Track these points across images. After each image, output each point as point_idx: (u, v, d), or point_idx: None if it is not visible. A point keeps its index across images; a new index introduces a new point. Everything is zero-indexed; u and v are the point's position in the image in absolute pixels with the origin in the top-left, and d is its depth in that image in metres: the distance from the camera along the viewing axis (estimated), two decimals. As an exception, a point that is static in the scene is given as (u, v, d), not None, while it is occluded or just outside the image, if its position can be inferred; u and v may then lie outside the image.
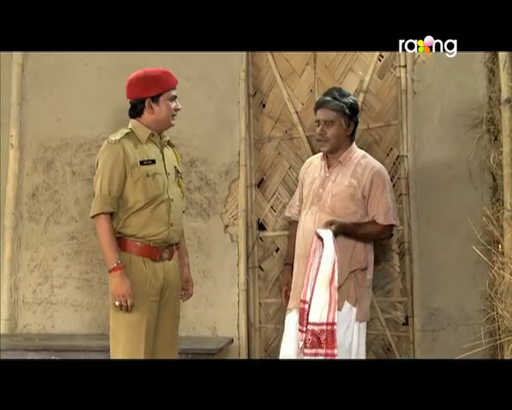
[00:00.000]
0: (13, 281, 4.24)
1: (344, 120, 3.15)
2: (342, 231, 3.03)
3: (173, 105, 3.00)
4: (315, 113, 3.25)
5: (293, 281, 3.22)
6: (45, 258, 4.25)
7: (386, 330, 3.88)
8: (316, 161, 3.33)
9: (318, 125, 3.19)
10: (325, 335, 2.83)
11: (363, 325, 3.11)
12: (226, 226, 4.14)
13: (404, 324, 3.88)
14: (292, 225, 3.48)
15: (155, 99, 2.97)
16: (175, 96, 3.01)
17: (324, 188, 3.16)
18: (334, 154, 3.20)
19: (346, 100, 3.16)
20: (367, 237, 3.14)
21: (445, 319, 3.74)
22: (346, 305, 3.05)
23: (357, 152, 3.22)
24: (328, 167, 3.22)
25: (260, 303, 4.12)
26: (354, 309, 3.06)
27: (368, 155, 3.30)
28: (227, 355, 3.94)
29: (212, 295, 4.10)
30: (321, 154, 3.30)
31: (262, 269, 4.15)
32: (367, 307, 3.15)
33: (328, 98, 3.18)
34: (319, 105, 3.21)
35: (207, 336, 4.06)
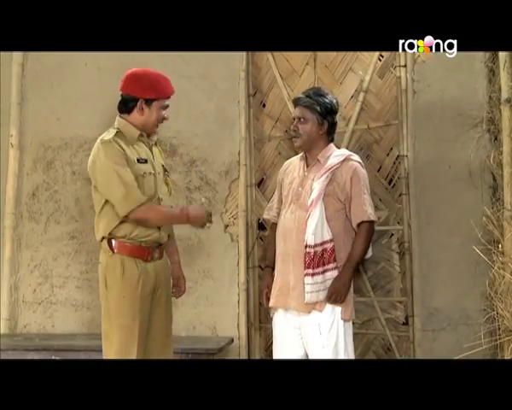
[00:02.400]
0: (13, 281, 4.24)
1: (317, 118, 3.17)
2: (344, 288, 3.07)
3: (163, 114, 2.97)
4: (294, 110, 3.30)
5: (275, 279, 3.22)
6: (45, 258, 4.25)
7: (386, 330, 3.88)
8: (294, 162, 3.34)
9: (294, 121, 3.23)
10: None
11: (349, 324, 3.11)
12: (226, 226, 4.14)
13: (404, 323, 3.88)
14: (271, 227, 3.47)
15: (148, 102, 2.92)
16: (167, 106, 2.98)
17: (303, 186, 3.17)
18: (310, 152, 3.21)
19: (319, 99, 3.18)
20: (365, 250, 3.15)
21: (445, 318, 3.74)
22: (329, 305, 3.05)
23: (336, 151, 3.23)
24: (307, 166, 3.23)
25: (260, 303, 4.10)
26: (338, 309, 3.07)
27: (346, 151, 3.31)
28: (227, 355, 3.94)
29: (212, 295, 4.10)
30: (300, 155, 3.31)
31: (262, 269, 4.14)
32: (351, 307, 3.14)
33: (302, 96, 3.22)
34: (295, 103, 3.27)
35: (207, 336, 4.06)
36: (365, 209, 3.12)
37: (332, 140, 3.26)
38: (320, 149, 3.20)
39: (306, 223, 3.05)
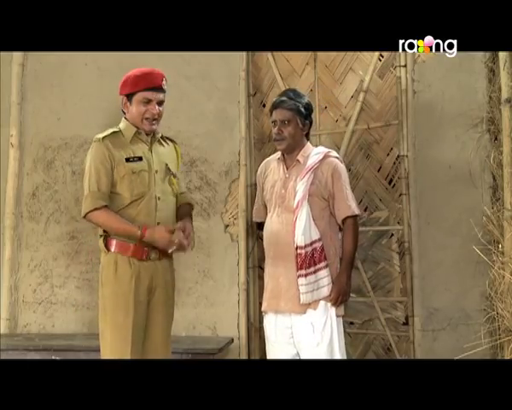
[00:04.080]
0: (13, 281, 4.24)
1: (300, 120, 3.16)
2: (347, 287, 3.09)
3: (145, 108, 2.94)
4: (270, 114, 3.24)
5: (266, 283, 3.22)
6: (45, 258, 4.25)
7: (386, 330, 3.88)
8: (272, 163, 3.31)
9: (275, 125, 3.19)
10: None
11: (340, 320, 3.12)
12: (226, 226, 4.14)
13: (404, 323, 3.88)
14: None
15: (129, 98, 2.96)
16: (149, 100, 2.94)
17: (286, 189, 3.16)
18: (291, 154, 3.20)
19: (301, 100, 3.17)
20: (355, 244, 3.16)
21: (445, 318, 3.75)
22: (321, 303, 3.06)
23: (313, 150, 3.22)
24: (287, 168, 3.21)
25: (260, 303, 4.10)
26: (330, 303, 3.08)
27: (324, 149, 3.27)
28: (227, 355, 3.94)
29: (212, 295, 4.10)
30: (276, 156, 3.29)
31: (262, 269, 4.13)
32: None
33: (285, 98, 3.18)
34: (276, 105, 3.20)
35: (207, 336, 4.06)
36: (349, 204, 3.13)
37: (308, 139, 3.27)
38: (299, 150, 3.19)
39: (294, 225, 3.06)
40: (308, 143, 3.25)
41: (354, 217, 3.15)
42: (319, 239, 3.07)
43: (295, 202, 3.09)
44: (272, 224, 3.17)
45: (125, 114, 3.02)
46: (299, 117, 3.15)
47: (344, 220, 3.14)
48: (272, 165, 3.30)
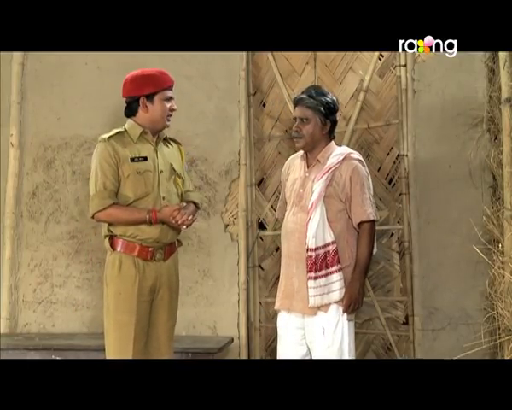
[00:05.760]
0: (13, 280, 4.24)
1: (319, 118, 3.09)
2: (359, 295, 3.04)
3: (168, 105, 3.00)
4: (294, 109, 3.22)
5: (280, 282, 3.19)
6: (45, 257, 4.25)
7: (386, 330, 3.88)
8: (296, 161, 3.27)
9: (295, 121, 3.15)
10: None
11: (352, 323, 3.10)
12: (226, 226, 4.14)
13: (404, 323, 3.88)
14: None
15: (150, 98, 2.97)
16: (171, 97, 3.01)
17: (305, 188, 3.12)
18: (312, 152, 3.15)
19: (321, 98, 3.11)
20: (370, 251, 3.10)
21: (445, 318, 3.75)
22: (333, 305, 3.04)
23: (336, 149, 3.16)
24: (308, 167, 3.17)
25: (260, 302, 4.12)
26: (342, 308, 3.05)
27: (347, 149, 3.21)
28: (227, 355, 3.95)
29: (212, 295, 4.11)
30: (301, 153, 3.24)
31: (262, 268, 4.15)
32: None
33: (305, 96, 3.13)
34: (296, 102, 3.17)
35: (207, 336, 4.06)
36: (364, 209, 3.05)
37: (333, 138, 3.21)
38: (321, 149, 3.13)
39: (307, 226, 3.02)
40: (332, 142, 3.17)
41: (370, 222, 3.06)
42: (333, 242, 3.01)
43: (310, 203, 3.04)
44: (288, 223, 3.14)
45: (130, 116, 3.02)
46: (319, 116, 3.09)
47: (359, 225, 3.07)
48: (296, 162, 3.26)
